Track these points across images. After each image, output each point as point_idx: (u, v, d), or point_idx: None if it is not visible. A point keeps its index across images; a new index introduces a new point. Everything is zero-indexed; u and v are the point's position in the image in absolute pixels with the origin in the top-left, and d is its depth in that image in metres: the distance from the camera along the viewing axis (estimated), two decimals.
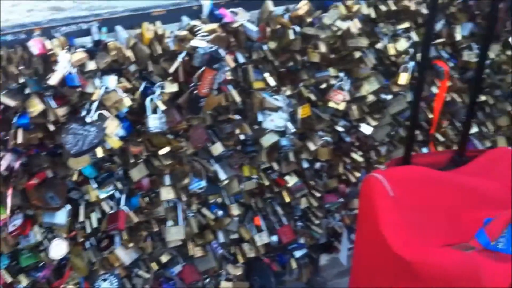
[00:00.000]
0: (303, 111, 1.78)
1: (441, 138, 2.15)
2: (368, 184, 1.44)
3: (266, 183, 1.79)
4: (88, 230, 1.59)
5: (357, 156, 1.95)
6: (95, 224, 1.59)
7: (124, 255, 1.62)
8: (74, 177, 1.53)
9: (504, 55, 2.19)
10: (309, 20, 1.71)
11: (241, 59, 1.63)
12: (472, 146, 2.27)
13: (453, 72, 2.08)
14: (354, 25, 1.76)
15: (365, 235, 1.47)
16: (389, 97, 1.94)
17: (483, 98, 2.22)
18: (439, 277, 1.26)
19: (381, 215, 1.36)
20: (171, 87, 1.51)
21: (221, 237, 1.75)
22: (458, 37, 2.02)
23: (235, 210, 1.74)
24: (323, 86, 1.81)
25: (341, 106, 1.80)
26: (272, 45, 1.67)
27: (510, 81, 2.26)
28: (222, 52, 1.51)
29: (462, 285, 1.23)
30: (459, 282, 1.24)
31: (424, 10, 1.90)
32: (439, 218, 1.38)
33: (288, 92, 1.74)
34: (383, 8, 1.83)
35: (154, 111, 1.51)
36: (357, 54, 1.82)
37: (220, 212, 1.72)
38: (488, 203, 1.37)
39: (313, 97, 1.79)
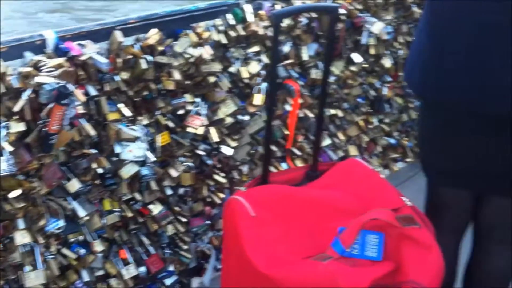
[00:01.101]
0: (162, 139, 1.78)
1: (298, 153, 2.26)
2: (230, 207, 1.47)
3: (129, 214, 1.76)
4: None
5: (220, 178, 1.99)
6: None
7: None
8: None
9: (348, 71, 2.37)
10: (160, 48, 1.71)
11: (93, 91, 1.59)
12: (327, 157, 2.42)
13: (303, 90, 2.20)
14: (206, 52, 1.80)
15: (230, 256, 1.50)
16: (246, 117, 2.01)
17: (332, 111, 2.38)
18: None
19: (243, 236, 1.40)
20: (18, 127, 1.43)
21: (86, 276, 1.68)
22: (305, 57, 2.15)
23: (99, 246, 1.69)
24: (181, 112, 1.82)
25: (200, 131, 1.82)
26: (125, 75, 1.65)
27: (355, 94, 2.45)
28: (70, 86, 1.47)
29: None
30: None
31: (271, 34, 1.99)
32: (298, 233, 1.45)
33: (145, 121, 1.73)
34: (232, 33, 1.89)
35: (0, 153, 1.42)
36: (212, 79, 1.86)
37: (82, 251, 1.65)
38: (342, 213, 1.48)
39: (171, 124, 1.80)
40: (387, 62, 2.49)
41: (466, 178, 1.55)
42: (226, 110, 1.94)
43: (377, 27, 2.32)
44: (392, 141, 2.71)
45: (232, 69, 1.93)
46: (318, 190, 1.56)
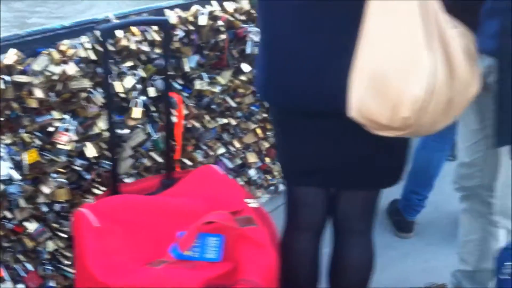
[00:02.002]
0: (29, 157, 1.80)
1: (189, 163, 2.31)
2: (75, 219, 1.50)
3: (0, 233, 1.78)
4: None
5: (100, 192, 2.01)
6: None
7: None
8: None
9: (238, 80, 2.42)
10: (20, 68, 1.74)
11: None
12: (223, 165, 2.47)
13: (189, 100, 2.25)
14: (71, 69, 1.83)
15: (77, 268, 1.53)
16: (126, 131, 2.05)
17: (224, 121, 2.43)
18: None
19: (85, 247, 1.43)
20: None
21: None
22: (186, 68, 2.20)
23: None
24: (52, 129, 1.85)
25: (69, 147, 1.85)
26: None
27: (248, 102, 2.51)
28: None
29: None
30: None
31: (145, 48, 2.04)
32: (143, 240, 1.49)
33: (9, 141, 1.75)
34: (101, 49, 1.93)
35: None
36: (83, 95, 1.90)
37: None
38: (188, 219, 1.52)
39: (38, 142, 1.82)
40: None
41: (317, 176, 1.61)
42: (103, 124, 1.97)
43: None
44: None
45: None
46: (169, 198, 1.60)
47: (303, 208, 1.69)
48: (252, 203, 1.53)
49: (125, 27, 1.93)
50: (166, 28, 1.68)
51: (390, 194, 2.65)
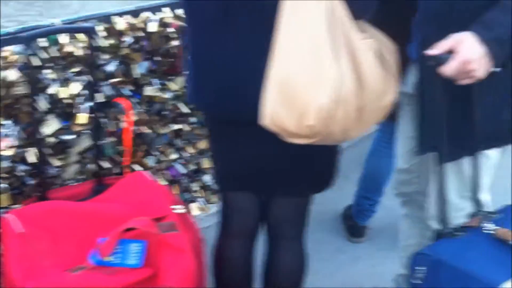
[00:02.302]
0: None
1: (139, 168, 2.32)
2: (1, 225, 1.52)
3: None
4: None
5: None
6: None
7: None
8: None
9: None
10: None
11: None
12: (175, 171, 2.49)
13: (139, 106, 2.27)
14: (13, 74, 1.85)
15: (4, 273, 1.54)
16: (72, 136, 2.06)
17: (177, 127, 2.45)
18: None
19: (7, 252, 1.44)
20: None
21: None
22: (135, 74, 2.22)
23: None
24: None
25: (10, 152, 1.87)
26: None
27: None
28: None
29: None
30: None
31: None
32: (67, 246, 1.50)
33: None
34: (45, 55, 1.95)
35: None
36: (27, 101, 1.91)
37: None
38: (113, 225, 1.53)
39: None
40: None
41: (246, 182, 1.62)
42: (47, 130, 1.99)
43: None
44: None
45: (51, 91, 1.98)
46: (97, 204, 1.62)
47: (235, 214, 1.71)
48: (178, 209, 1.55)
49: (49, 34, 1.92)
50: (92, 36, 1.70)
51: (346, 199, 2.68)
